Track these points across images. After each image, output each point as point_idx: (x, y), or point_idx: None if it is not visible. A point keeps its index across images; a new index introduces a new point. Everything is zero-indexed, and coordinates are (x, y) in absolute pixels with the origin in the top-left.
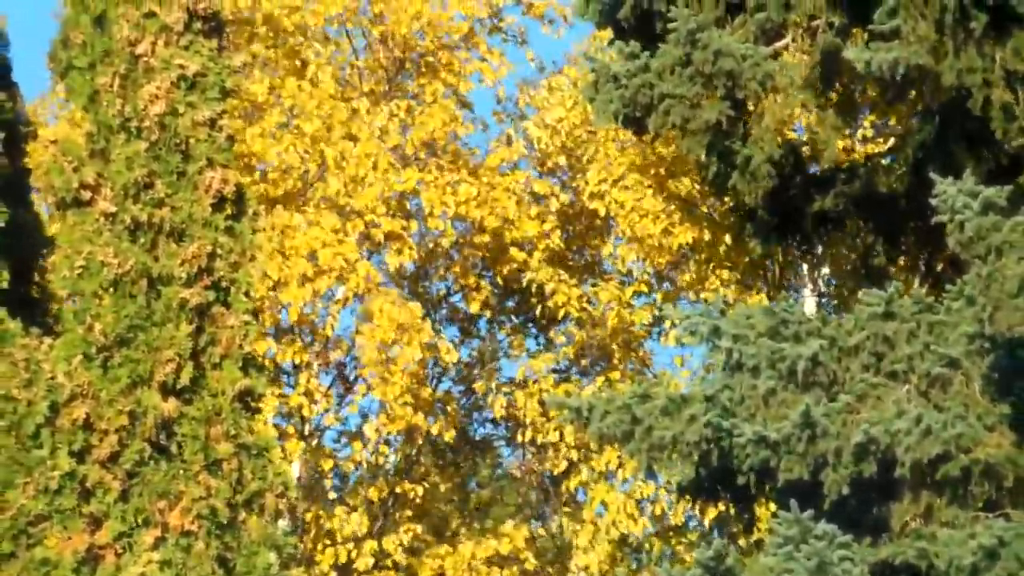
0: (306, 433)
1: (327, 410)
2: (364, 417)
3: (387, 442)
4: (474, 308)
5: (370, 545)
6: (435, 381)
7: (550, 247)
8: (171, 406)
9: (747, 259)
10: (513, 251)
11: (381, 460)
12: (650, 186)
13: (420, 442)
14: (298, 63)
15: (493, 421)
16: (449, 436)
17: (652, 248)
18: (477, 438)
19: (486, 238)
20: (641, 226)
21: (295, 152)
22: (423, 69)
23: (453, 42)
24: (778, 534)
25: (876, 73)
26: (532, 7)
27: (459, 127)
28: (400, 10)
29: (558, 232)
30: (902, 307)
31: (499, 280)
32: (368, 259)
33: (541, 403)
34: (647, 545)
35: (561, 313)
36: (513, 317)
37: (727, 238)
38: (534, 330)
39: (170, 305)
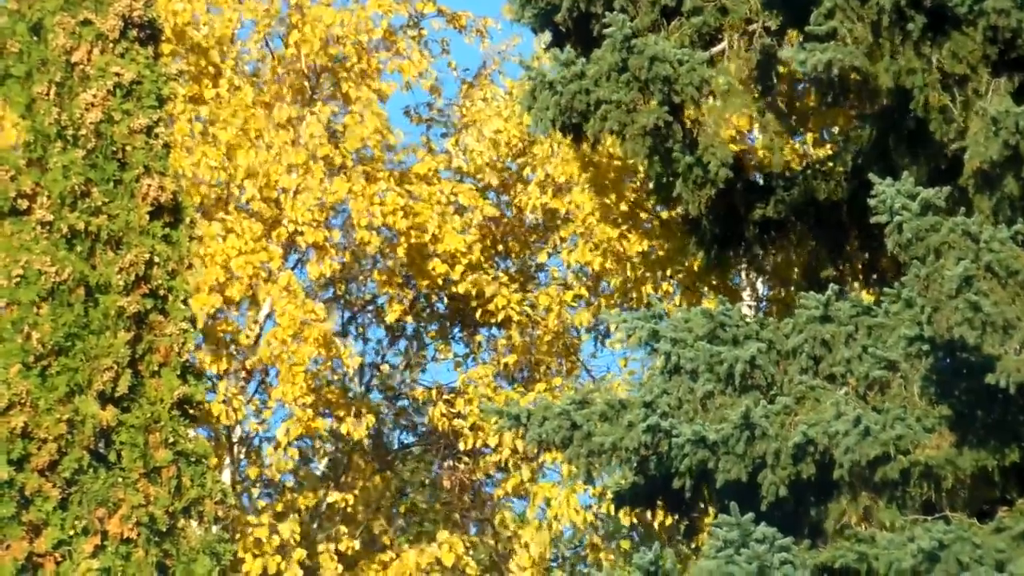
0: (234, 440)
1: (255, 413)
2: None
3: (301, 440)
4: (391, 318)
5: (298, 553)
6: (363, 386)
7: (471, 261)
8: (109, 414)
9: (694, 266)
10: (435, 262)
11: (291, 465)
12: (595, 189)
13: (322, 447)
14: (211, 69)
15: (411, 428)
16: (359, 435)
17: (608, 252)
18: (396, 447)
19: (401, 250)
20: (600, 229)
21: (207, 162)
22: (344, 75)
23: (372, 44)
24: (718, 537)
25: (811, 74)
26: (455, 18)
27: (390, 135)
28: (317, 18)
29: (479, 245)
30: (840, 310)
31: (421, 289)
32: (293, 269)
33: (481, 410)
34: (586, 545)
35: (501, 316)
36: (437, 322)
37: (675, 243)
38: (459, 334)
39: (108, 313)
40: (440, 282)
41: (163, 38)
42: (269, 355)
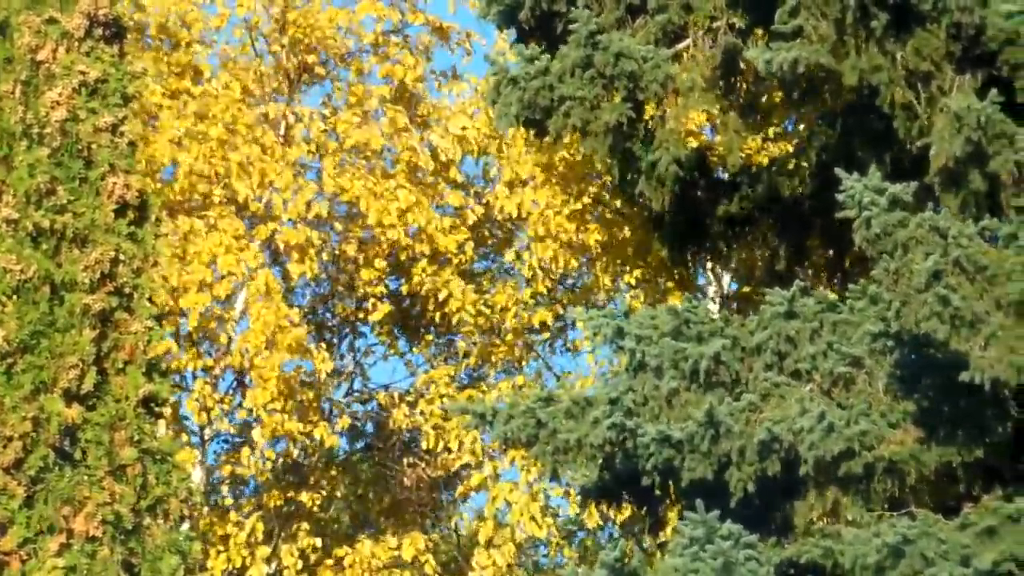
0: (205, 438)
1: (227, 414)
2: (249, 424)
3: (277, 442)
4: (376, 317)
5: (262, 551)
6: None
7: (463, 261)
8: (75, 412)
9: (658, 259)
10: (424, 264)
11: (267, 465)
12: (556, 183)
13: (295, 449)
14: (192, 71)
15: (354, 433)
16: (331, 442)
17: (565, 245)
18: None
19: (425, 246)
20: (556, 222)
21: (203, 159)
22: (333, 73)
23: (362, 46)
24: (683, 534)
25: (777, 73)
26: (441, 28)
27: (413, 138)
28: (313, 14)
29: (471, 244)
30: (805, 306)
31: (402, 290)
32: (271, 267)
33: (443, 410)
34: (553, 546)
35: (456, 318)
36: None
37: (636, 237)
38: (400, 332)
39: (73, 311)
40: (423, 283)
41: (148, 34)
42: (241, 361)
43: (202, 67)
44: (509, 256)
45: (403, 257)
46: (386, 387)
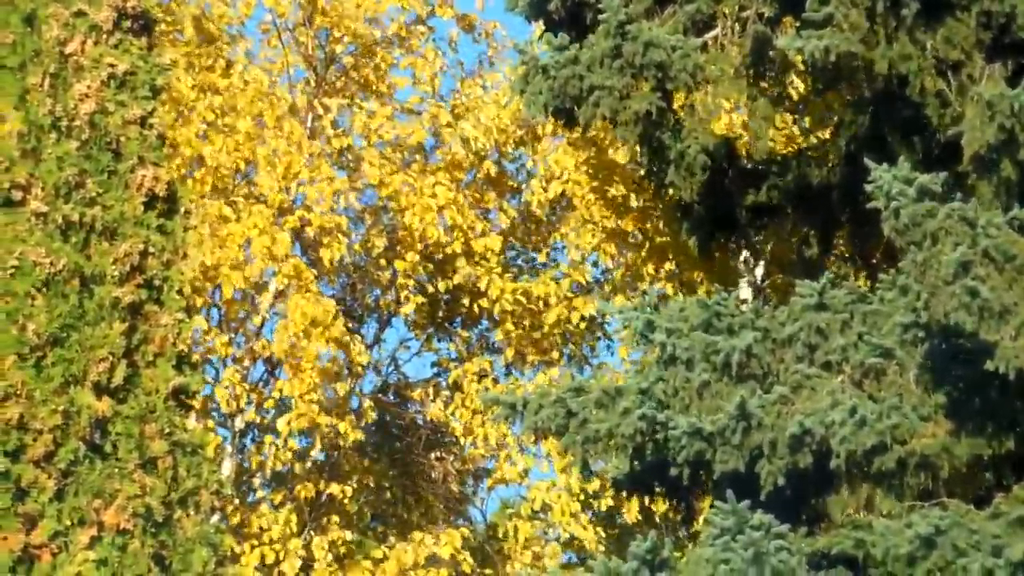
0: (236, 429)
1: (255, 403)
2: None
3: (303, 433)
4: (407, 310)
5: (294, 544)
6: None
7: (499, 262)
8: (105, 405)
9: (690, 251)
10: (463, 262)
11: (289, 456)
12: (591, 174)
13: (321, 441)
14: (223, 62)
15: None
16: (355, 436)
17: (609, 232)
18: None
19: (458, 244)
20: (599, 209)
21: (227, 151)
22: (358, 67)
23: (387, 39)
24: (714, 525)
25: (808, 61)
26: (465, 18)
27: (448, 134)
28: (341, 1)
29: (502, 246)
30: (835, 298)
31: (432, 288)
32: (302, 255)
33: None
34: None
35: (497, 308)
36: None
37: (667, 228)
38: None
39: (103, 304)
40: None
41: (180, 28)
42: (281, 350)
43: (237, 60)
44: (542, 258)
45: (440, 255)
46: (412, 381)
